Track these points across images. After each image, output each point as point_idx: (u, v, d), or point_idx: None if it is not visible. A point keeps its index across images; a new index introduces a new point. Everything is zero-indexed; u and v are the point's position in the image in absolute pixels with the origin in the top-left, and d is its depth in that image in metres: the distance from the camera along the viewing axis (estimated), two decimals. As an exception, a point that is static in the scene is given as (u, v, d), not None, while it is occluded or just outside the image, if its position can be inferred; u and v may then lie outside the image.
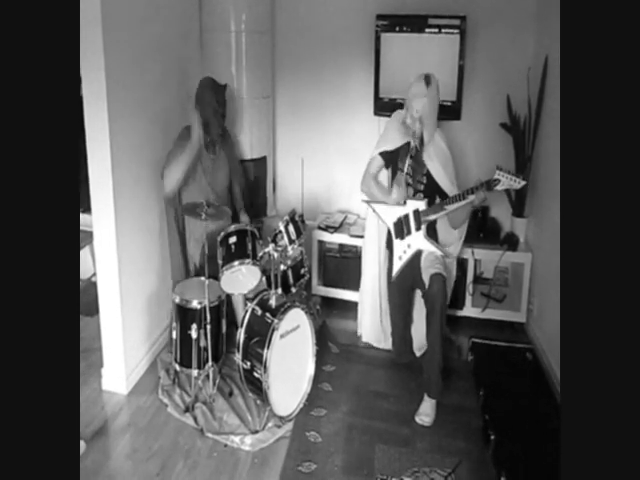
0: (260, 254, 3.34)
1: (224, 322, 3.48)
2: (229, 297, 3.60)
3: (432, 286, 3.36)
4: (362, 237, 4.13)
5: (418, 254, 3.52)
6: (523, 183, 3.05)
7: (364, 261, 4.06)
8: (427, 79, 3.34)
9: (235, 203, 3.97)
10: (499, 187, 3.06)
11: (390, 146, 3.56)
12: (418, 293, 3.75)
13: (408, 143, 3.44)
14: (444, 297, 3.35)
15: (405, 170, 3.44)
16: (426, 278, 3.42)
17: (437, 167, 3.44)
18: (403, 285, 3.66)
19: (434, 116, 3.42)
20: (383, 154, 3.61)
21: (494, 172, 3.08)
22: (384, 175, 3.73)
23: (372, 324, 4.08)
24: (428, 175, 3.46)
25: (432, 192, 3.50)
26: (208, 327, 3.28)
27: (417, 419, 3.31)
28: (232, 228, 3.31)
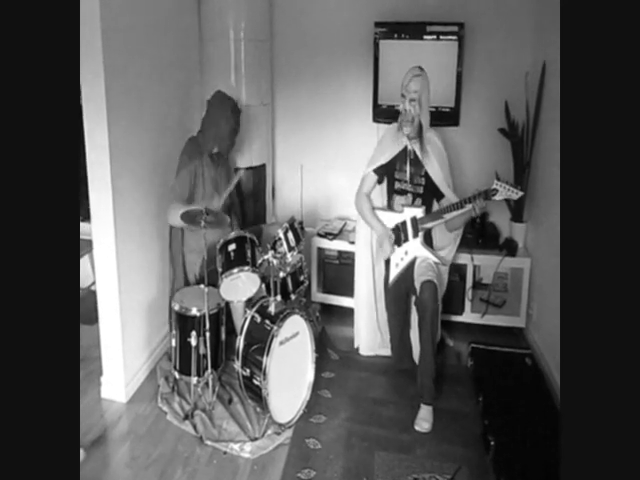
0: (259, 261, 3.34)
1: (223, 329, 3.48)
2: (228, 304, 3.60)
3: (423, 293, 3.37)
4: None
5: (414, 261, 3.54)
6: (521, 194, 3.07)
7: (357, 268, 4.06)
8: (419, 67, 3.41)
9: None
10: (497, 197, 3.08)
11: (384, 159, 3.58)
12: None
13: (404, 149, 3.47)
14: (434, 304, 3.36)
15: (406, 178, 3.48)
16: (418, 285, 3.43)
17: (435, 166, 3.46)
18: (399, 292, 3.67)
19: (428, 103, 3.43)
20: (377, 170, 3.62)
21: (492, 180, 3.10)
22: (377, 191, 3.76)
23: (368, 332, 4.07)
24: (426, 176, 3.48)
25: (430, 193, 3.52)
26: (207, 334, 3.27)
27: (416, 427, 3.31)
28: (231, 235, 3.31)
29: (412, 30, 4.37)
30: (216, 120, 3.62)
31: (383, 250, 3.62)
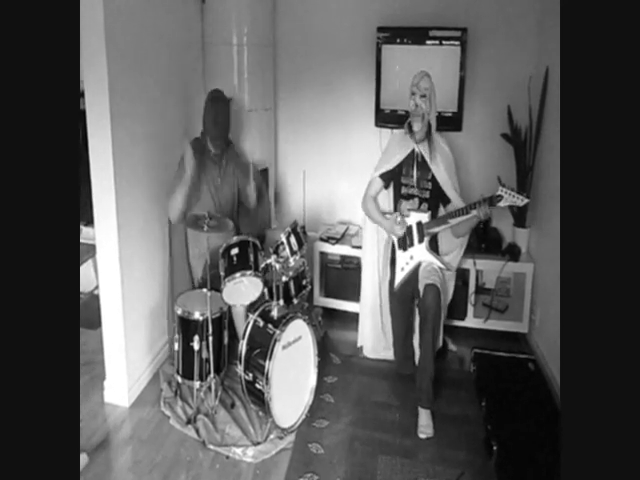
0: (262, 265, 3.34)
1: (226, 334, 3.48)
2: (231, 309, 3.60)
3: (425, 296, 3.39)
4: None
5: (419, 266, 3.55)
6: (526, 201, 3.06)
7: (364, 272, 4.08)
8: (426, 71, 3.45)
9: (242, 219, 3.94)
10: (502, 203, 3.08)
11: (391, 165, 3.60)
12: (419, 303, 3.77)
13: (411, 153, 3.48)
14: (437, 307, 3.37)
15: (413, 183, 3.50)
16: (421, 288, 3.45)
17: (442, 171, 3.47)
18: (404, 296, 3.68)
19: (435, 106, 3.47)
20: (383, 175, 3.64)
21: (497, 186, 3.11)
22: (384, 195, 3.78)
23: (372, 334, 4.09)
24: (433, 180, 3.49)
25: (437, 198, 3.54)
26: (210, 339, 3.27)
27: (420, 434, 3.30)
28: (234, 240, 3.32)
29: (414, 35, 4.38)
30: (204, 115, 3.63)
31: (395, 233, 3.63)
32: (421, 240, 3.50)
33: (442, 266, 3.54)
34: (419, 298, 3.50)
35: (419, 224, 3.49)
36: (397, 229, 3.58)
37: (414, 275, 3.57)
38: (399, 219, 3.55)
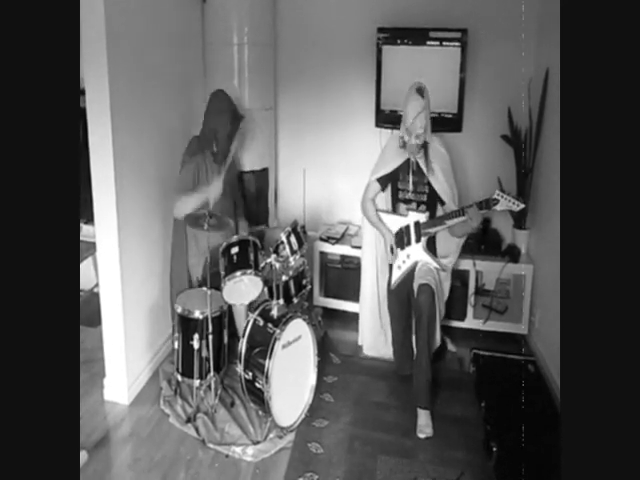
0: (262, 265, 3.34)
1: (226, 332, 3.48)
2: (231, 307, 3.60)
3: (419, 295, 3.41)
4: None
5: (416, 265, 3.56)
6: (522, 206, 3.10)
7: (363, 271, 4.10)
8: (420, 91, 3.41)
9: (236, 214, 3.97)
10: (498, 207, 3.12)
11: (388, 169, 3.62)
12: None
13: (407, 160, 3.50)
14: (430, 306, 3.39)
15: (409, 188, 3.52)
16: (415, 287, 3.47)
17: (440, 179, 3.49)
18: (401, 295, 3.69)
19: (430, 123, 3.47)
20: (380, 179, 3.67)
21: (495, 188, 3.12)
22: (382, 197, 3.80)
23: (372, 333, 4.11)
24: (430, 185, 3.51)
25: (434, 200, 3.55)
26: (210, 337, 3.27)
27: (419, 434, 3.31)
28: (234, 239, 3.31)
29: (415, 36, 4.38)
30: (214, 120, 3.59)
31: (388, 254, 3.67)
32: (418, 240, 3.52)
33: (438, 266, 3.55)
34: (413, 297, 3.51)
35: (416, 224, 3.50)
36: (390, 256, 3.65)
37: (410, 275, 3.58)
38: (395, 254, 3.62)
